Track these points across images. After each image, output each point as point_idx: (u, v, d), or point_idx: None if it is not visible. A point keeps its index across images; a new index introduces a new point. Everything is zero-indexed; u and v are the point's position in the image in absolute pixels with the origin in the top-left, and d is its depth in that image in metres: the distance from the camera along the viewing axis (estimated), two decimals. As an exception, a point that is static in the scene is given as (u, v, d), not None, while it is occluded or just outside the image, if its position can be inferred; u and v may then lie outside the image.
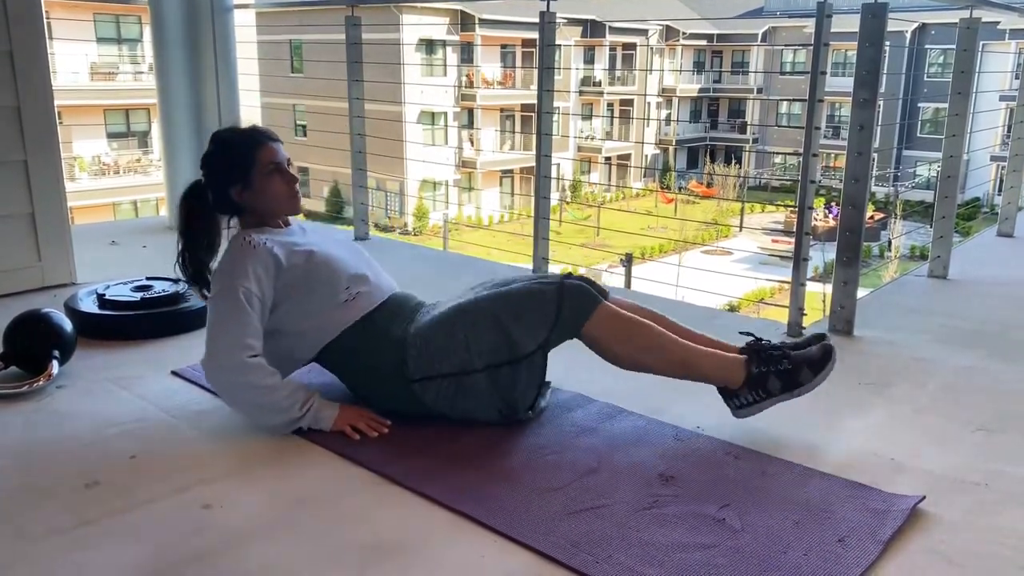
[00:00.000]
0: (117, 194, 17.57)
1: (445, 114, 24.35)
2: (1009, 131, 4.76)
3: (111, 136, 18.65)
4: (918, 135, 25.68)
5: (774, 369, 1.84)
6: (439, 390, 1.87)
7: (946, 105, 3.41)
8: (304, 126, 24.80)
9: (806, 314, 2.66)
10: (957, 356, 2.46)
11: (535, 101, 3.36)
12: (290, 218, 2.08)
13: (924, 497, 1.60)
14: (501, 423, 1.92)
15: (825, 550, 1.44)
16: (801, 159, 2.66)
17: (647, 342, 1.86)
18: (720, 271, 15.34)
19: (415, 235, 21.14)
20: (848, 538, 1.48)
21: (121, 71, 18.59)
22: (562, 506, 1.58)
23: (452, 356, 1.85)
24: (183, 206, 2.01)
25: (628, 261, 15.58)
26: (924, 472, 1.74)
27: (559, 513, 1.56)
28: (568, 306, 1.84)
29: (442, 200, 23.30)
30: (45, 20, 3.00)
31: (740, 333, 1.94)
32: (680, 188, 28.32)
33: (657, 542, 1.47)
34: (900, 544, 1.48)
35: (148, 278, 2.75)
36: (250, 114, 4.32)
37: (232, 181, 1.96)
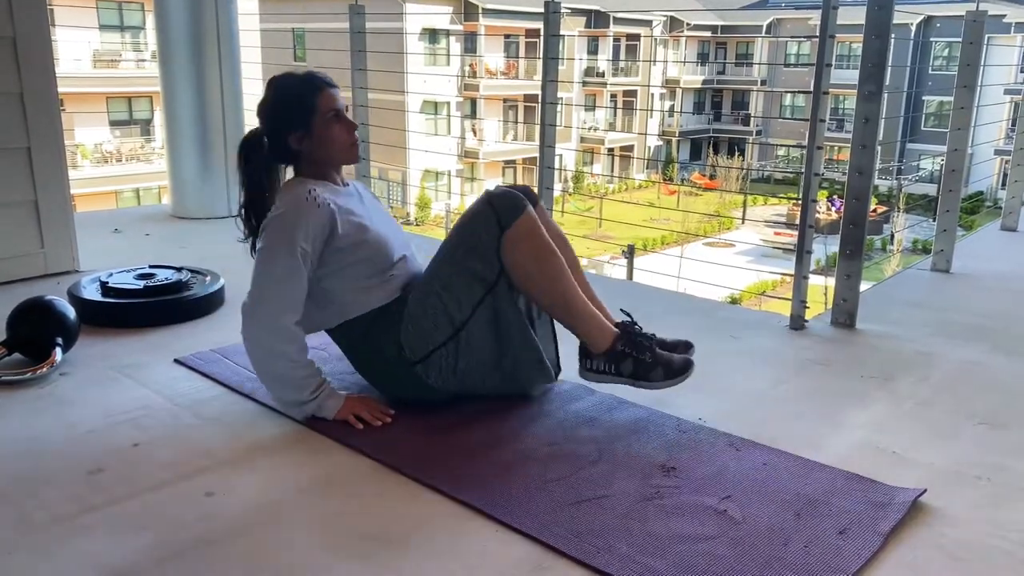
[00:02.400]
0: (120, 182, 17.55)
1: (448, 104, 24.29)
2: (1014, 125, 4.75)
3: (114, 124, 18.61)
4: (922, 128, 25.60)
5: (634, 354, 1.89)
6: (440, 365, 1.88)
7: (950, 98, 3.39)
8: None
9: (808, 307, 2.66)
10: (960, 350, 2.46)
11: (538, 91, 3.36)
12: (348, 180, 2.03)
13: (925, 490, 1.60)
14: (512, 389, 1.95)
15: (826, 542, 1.45)
16: (805, 152, 2.65)
17: (555, 272, 1.88)
18: (722, 263, 15.31)
19: (417, 226, 21.12)
20: (849, 530, 1.48)
21: (124, 59, 18.55)
22: (564, 497, 1.58)
23: (439, 321, 1.86)
24: (240, 156, 1.96)
25: (630, 253, 15.57)
26: (926, 465, 1.74)
27: (561, 504, 1.56)
28: (500, 208, 1.85)
29: (444, 190, 23.26)
30: (48, 6, 2.99)
31: (621, 310, 1.99)
32: (683, 180, 28.26)
33: (659, 533, 1.47)
34: (901, 537, 1.48)
35: (151, 266, 2.75)
36: (253, 103, 4.31)
37: (292, 128, 1.90)
